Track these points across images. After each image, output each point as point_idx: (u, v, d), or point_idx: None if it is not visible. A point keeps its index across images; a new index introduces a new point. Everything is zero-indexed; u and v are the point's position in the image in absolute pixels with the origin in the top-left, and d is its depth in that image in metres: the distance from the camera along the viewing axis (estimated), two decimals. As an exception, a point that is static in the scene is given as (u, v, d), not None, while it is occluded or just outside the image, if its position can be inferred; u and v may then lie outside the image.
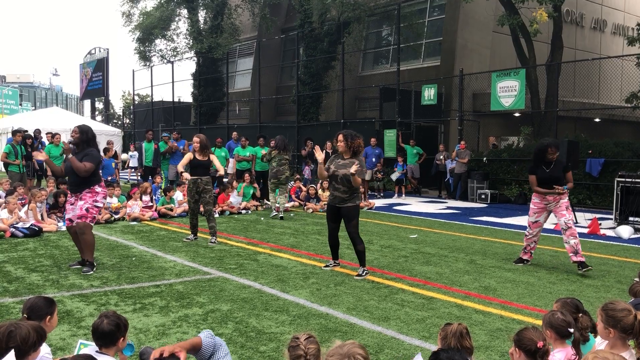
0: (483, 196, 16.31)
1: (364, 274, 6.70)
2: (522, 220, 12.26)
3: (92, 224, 6.91)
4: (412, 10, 24.11)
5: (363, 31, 25.49)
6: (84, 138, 6.93)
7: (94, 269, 6.84)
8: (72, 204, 6.97)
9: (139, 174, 15.99)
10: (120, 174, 16.57)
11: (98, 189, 6.94)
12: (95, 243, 7.20)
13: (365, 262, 6.83)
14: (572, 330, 3.01)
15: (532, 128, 18.81)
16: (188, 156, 9.05)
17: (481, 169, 17.20)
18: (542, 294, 6.07)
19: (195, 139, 9.15)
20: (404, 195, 17.25)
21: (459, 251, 8.52)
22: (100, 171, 14.97)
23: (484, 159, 17.49)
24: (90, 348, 3.14)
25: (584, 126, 21.73)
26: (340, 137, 6.85)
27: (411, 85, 19.98)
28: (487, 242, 9.46)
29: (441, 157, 17.94)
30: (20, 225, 9.42)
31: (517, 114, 20.25)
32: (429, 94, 18.57)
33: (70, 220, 6.98)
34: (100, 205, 7.06)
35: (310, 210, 13.49)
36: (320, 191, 14.17)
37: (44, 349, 3.05)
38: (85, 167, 6.74)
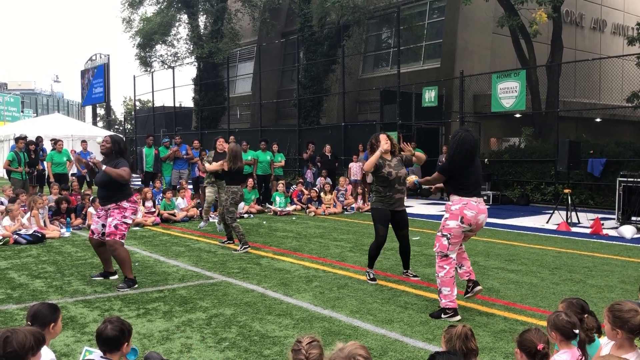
0: (485, 198, 16.27)
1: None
2: (524, 222, 12.26)
3: (122, 241, 6.50)
4: (411, 13, 24.14)
5: (363, 34, 25.51)
6: (116, 148, 6.60)
7: (134, 285, 6.40)
8: (99, 217, 6.67)
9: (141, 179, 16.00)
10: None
11: (126, 204, 6.52)
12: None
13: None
14: (577, 331, 3.01)
15: (534, 129, 18.80)
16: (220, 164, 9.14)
17: (482, 170, 17.17)
18: (546, 294, 6.06)
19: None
20: (405, 197, 17.22)
21: (461, 253, 8.50)
22: None
23: (486, 160, 17.48)
24: (96, 354, 3.14)
25: (585, 126, 21.72)
26: (385, 136, 6.58)
27: (412, 88, 19.99)
28: (489, 243, 9.45)
29: (443, 159, 17.93)
30: (23, 232, 9.44)
31: (518, 115, 20.25)
32: (430, 95, 18.58)
33: (93, 232, 6.67)
34: (129, 221, 6.61)
35: (312, 214, 13.49)
36: (322, 194, 14.17)
37: (48, 355, 3.05)
38: (125, 172, 6.38)
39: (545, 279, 6.77)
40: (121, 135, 7.04)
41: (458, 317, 5.19)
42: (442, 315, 5.23)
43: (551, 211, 12.45)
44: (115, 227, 6.43)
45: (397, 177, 6.54)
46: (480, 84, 19.50)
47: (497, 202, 16.12)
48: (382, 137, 6.55)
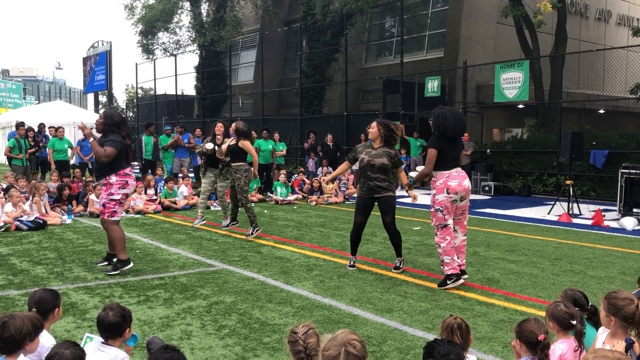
0: (487, 188, 16.28)
1: (401, 265, 6.63)
2: (526, 212, 12.25)
3: (112, 219, 6.42)
4: (415, 2, 23.99)
5: (366, 23, 25.39)
6: (108, 122, 6.48)
7: (126, 267, 6.38)
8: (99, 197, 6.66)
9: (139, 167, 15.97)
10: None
11: (113, 178, 6.36)
12: (104, 236, 7.13)
13: (401, 252, 6.74)
14: (574, 322, 3.02)
15: (536, 120, 18.75)
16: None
17: (485, 160, 17.16)
18: (546, 285, 6.06)
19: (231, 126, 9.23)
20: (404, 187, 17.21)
21: (462, 243, 8.51)
22: None
23: (488, 150, 17.44)
24: (96, 340, 3.16)
25: (588, 117, 21.65)
26: (374, 123, 6.66)
27: (415, 77, 19.92)
28: (490, 233, 9.45)
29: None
30: (24, 218, 9.46)
31: (521, 106, 20.18)
32: (433, 85, 18.51)
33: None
34: (117, 197, 6.41)
35: (314, 203, 13.50)
36: (324, 184, 14.16)
37: (49, 340, 3.07)
38: (106, 152, 6.22)
39: (546, 270, 6.78)
40: (118, 108, 6.85)
41: (462, 281, 5.80)
42: (448, 282, 5.76)
43: (553, 202, 12.44)
44: (104, 205, 6.48)
45: (369, 165, 6.51)
46: (484, 74, 19.42)
47: (498, 192, 16.10)
48: (372, 124, 6.68)
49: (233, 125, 9.08)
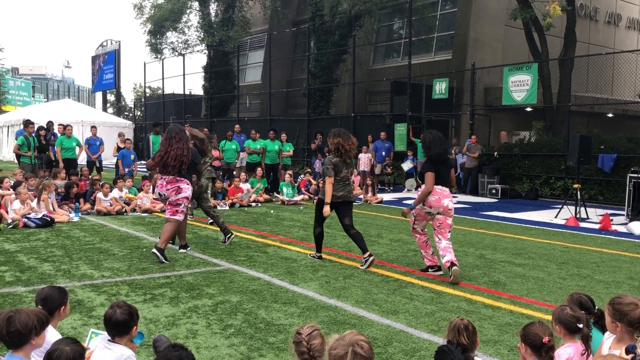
0: (494, 191, 16.24)
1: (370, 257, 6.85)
2: (533, 216, 12.21)
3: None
4: (424, 4, 23.98)
5: (374, 24, 25.41)
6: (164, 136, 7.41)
7: (160, 258, 6.85)
8: None
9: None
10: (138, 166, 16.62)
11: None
12: (110, 234, 7.19)
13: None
14: (581, 325, 3.01)
15: (544, 123, 18.68)
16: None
17: (492, 163, 17.12)
18: (552, 289, 6.04)
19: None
20: (414, 190, 17.20)
21: (468, 245, 8.50)
22: (120, 161, 14.91)
23: (495, 153, 17.39)
24: (102, 337, 3.17)
25: (597, 121, 21.55)
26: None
27: (422, 79, 19.91)
28: (497, 236, 9.42)
29: (452, 151, 17.87)
30: (32, 215, 9.51)
31: (529, 109, 20.11)
32: (441, 87, 18.49)
33: None
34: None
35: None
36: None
37: (56, 337, 3.08)
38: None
39: (552, 274, 6.75)
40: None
41: (441, 272, 6.55)
42: (429, 270, 6.66)
43: (560, 206, 12.39)
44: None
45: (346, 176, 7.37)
46: (492, 76, 19.38)
47: (505, 195, 16.05)
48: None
49: (187, 131, 8.96)
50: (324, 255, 7.42)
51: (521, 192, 16.37)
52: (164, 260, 6.83)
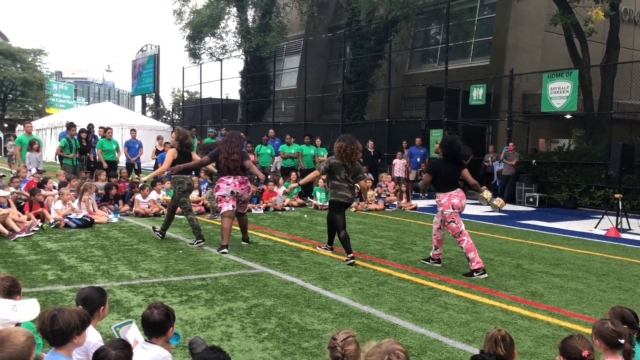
0: (531, 199, 15.93)
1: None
2: (572, 225, 11.93)
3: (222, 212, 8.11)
4: (461, 9, 23.73)
5: (411, 29, 25.26)
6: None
7: (222, 250, 7.80)
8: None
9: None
10: None
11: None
12: (148, 236, 7.32)
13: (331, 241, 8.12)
14: (623, 340, 2.93)
15: (584, 131, 18.24)
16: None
17: (530, 171, 16.80)
18: (592, 301, 5.89)
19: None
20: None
21: (505, 255, 8.36)
22: (160, 164, 15.31)
23: (533, 161, 17.07)
24: (124, 328, 3.19)
25: (640, 130, 20.91)
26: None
27: (459, 85, 19.69)
28: (534, 246, 9.24)
29: (489, 158, 17.61)
30: (73, 216, 9.77)
31: (568, 116, 19.67)
32: (478, 93, 18.26)
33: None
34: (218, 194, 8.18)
35: (353, 209, 13.47)
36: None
37: (96, 337, 3.16)
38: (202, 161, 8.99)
39: (592, 286, 6.58)
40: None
41: (486, 275, 6.78)
42: (474, 274, 6.79)
43: (600, 216, 12.08)
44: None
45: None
46: (530, 83, 19.03)
47: (543, 204, 15.73)
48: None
49: (173, 133, 8.98)
50: (357, 262, 7.40)
51: (559, 201, 16.02)
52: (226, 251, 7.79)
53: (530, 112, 19.93)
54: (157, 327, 3.14)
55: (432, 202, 16.13)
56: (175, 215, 11.34)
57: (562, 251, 8.84)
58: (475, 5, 24.42)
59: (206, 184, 13.20)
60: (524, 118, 19.89)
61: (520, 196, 16.33)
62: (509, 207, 15.51)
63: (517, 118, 18.97)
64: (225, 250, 7.81)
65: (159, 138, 16.83)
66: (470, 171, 7.58)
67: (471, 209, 14.53)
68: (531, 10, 21.47)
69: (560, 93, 15.76)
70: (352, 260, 7.27)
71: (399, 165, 15.99)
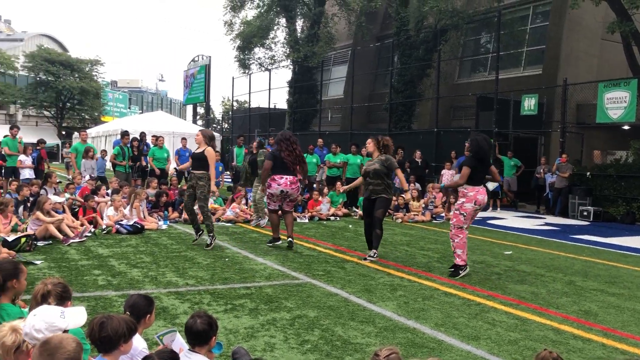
0: (585, 213, 15.37)
1: (374, 256, 8.02)
2: (629, 241, 11.43)
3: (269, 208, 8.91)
4: (513, 17, 23.27)
5: (460, 38, 24.92)
6: (277, 140, 9.04)
7: (274, 243, 8.98)
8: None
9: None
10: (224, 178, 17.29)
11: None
12: (196, 243, 7.45)
13: (378, 246, 8.19)
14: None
15: (644, 142, 17.50)
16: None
17: (584, 184, 16.23)
18: (651, 323, 5.59)
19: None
20: (499, 208, 16.62)
21: (557, 271, 8.07)
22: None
23: (588, 173, 16.49)
24: (168, 337, 3.24)
25: None
26: (369, 140, 8.43)
27: (510, 95, 19.26)
28: (588, 262, 8.88)
29: (541, 170, 17.12)
30: (124, 222, 10.04)
31: (626, 127, 18.94)
32: (530, 103, 17.81)
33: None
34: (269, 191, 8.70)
35: (399, 220, 13.33)
36: (410, 201, 13.95)
37: (141, 344, 3.21)
38: (263, 165, 9.17)
39: (651, 306, 6.26)
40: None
41: (468, 270, 7.30)
42: (460, 272, 7.20)
43: (660, 232, 11.53)
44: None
45: (366, 171, 8.26)
46: (585, 92, 18.42)
47: (598, 218, 15.15)
48: (368, 141, 8.44)
49: (199, 132, 9.14)
50: (403, 275, 7.29)
51: (616, 216, 15.39)
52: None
53: (584, 122, 19.29)
54: (200, 336, 3.17)
55: (483, 214, 15.79)
56: (222, 223, 11.53)
57: (619, 268, 8.47)
58: (528, 13, 23.90)
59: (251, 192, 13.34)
60: (577, 129, 19.28)
61: (574, 210, 15.79)
62: (562, 220, 15.01)
63: (570, 129, 18.39)
64: (277, 242, 8.85)
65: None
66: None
67: (520, 222, 14.14)
68: (587, 18, 20.84)
69: (617, 103, 15.19)
70: (374, 258, 8.03)
71: (447, 175, 15.73)
